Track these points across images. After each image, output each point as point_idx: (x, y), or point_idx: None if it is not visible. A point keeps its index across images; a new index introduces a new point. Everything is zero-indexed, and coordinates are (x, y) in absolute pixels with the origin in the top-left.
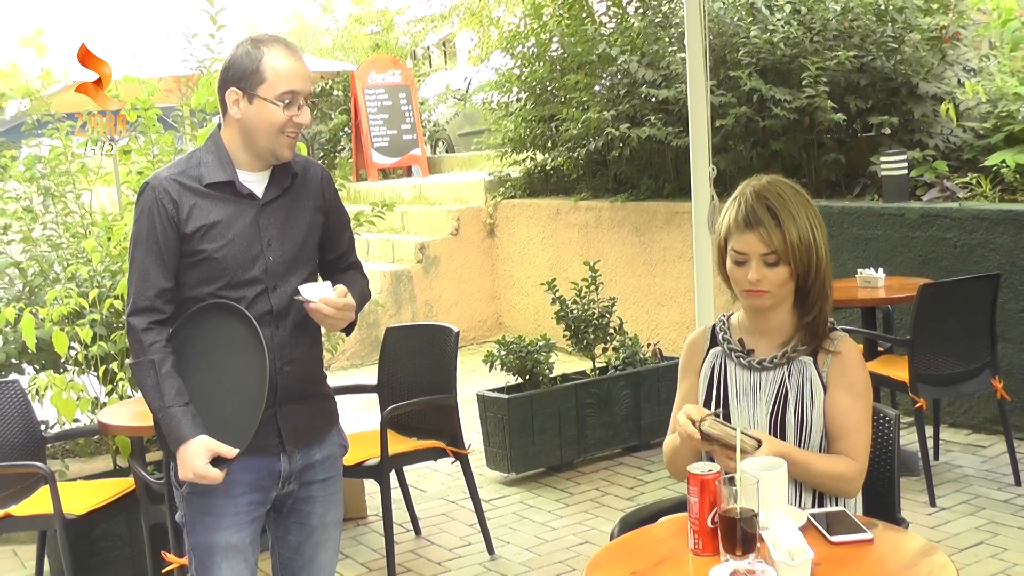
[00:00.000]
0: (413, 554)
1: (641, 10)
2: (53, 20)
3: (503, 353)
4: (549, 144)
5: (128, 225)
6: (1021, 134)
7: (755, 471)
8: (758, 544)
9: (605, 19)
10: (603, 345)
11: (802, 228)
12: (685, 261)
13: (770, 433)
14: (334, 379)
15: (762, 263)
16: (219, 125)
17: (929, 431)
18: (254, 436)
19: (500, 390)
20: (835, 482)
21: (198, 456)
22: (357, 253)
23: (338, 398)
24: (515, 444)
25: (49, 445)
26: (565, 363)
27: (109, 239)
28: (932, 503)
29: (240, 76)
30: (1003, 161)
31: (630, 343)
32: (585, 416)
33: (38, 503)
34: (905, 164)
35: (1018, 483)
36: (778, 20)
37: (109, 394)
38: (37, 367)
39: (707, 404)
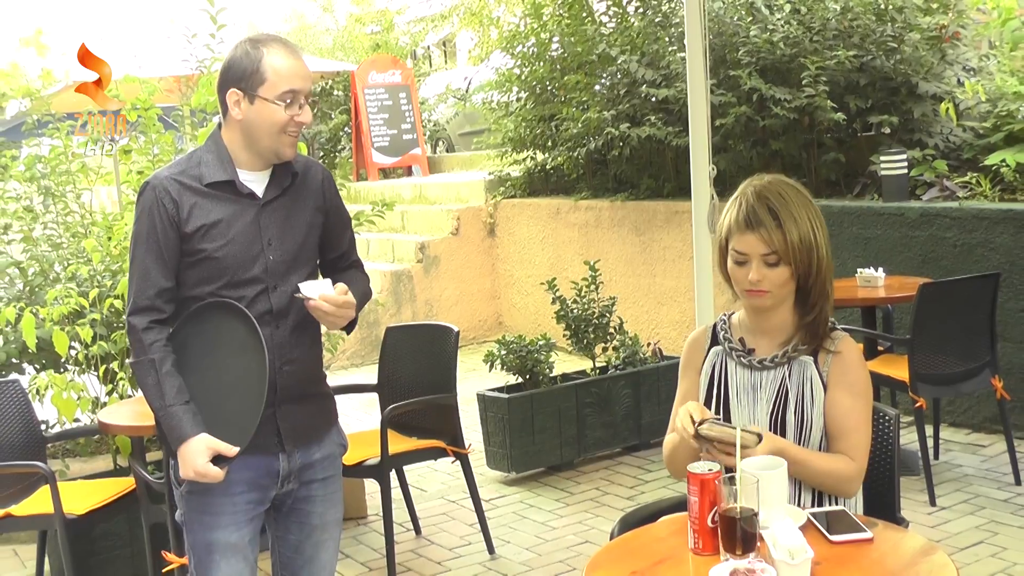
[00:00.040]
0: (413, 553)
1: (641, 10)
2: (54, 20)
3: (503, 353)
4: (549, 144)
5: (128, 225)
6: (1021, 133)
7: (755, 470)
8: (758, 543)
9: (605, 19)
10: (603, 344)
11: (803, 228)
12: (685, 260)
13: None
14: (334, 378)
15: (763, 263)
16: (219, 125)
17: (929, 430)
18: (253, 435)
19: (500, 389)
20: (834, 481)
21: (199, 454)
22: (358, 252)
23: (338, 398)
24: (515, 444)
25: (49, 445)
26: (565, 363)
27: (109, 239)
28: (932, 502)
29: (240, 77)
30: (1003, 160)
31: (630, 342)
32: (585, 416)
33: (38, 503)
34: (905, 163)
35: (1018, 482)
36: (778, 20)
37: (109, 394)
38: (37, 367)
39: (707, 403)
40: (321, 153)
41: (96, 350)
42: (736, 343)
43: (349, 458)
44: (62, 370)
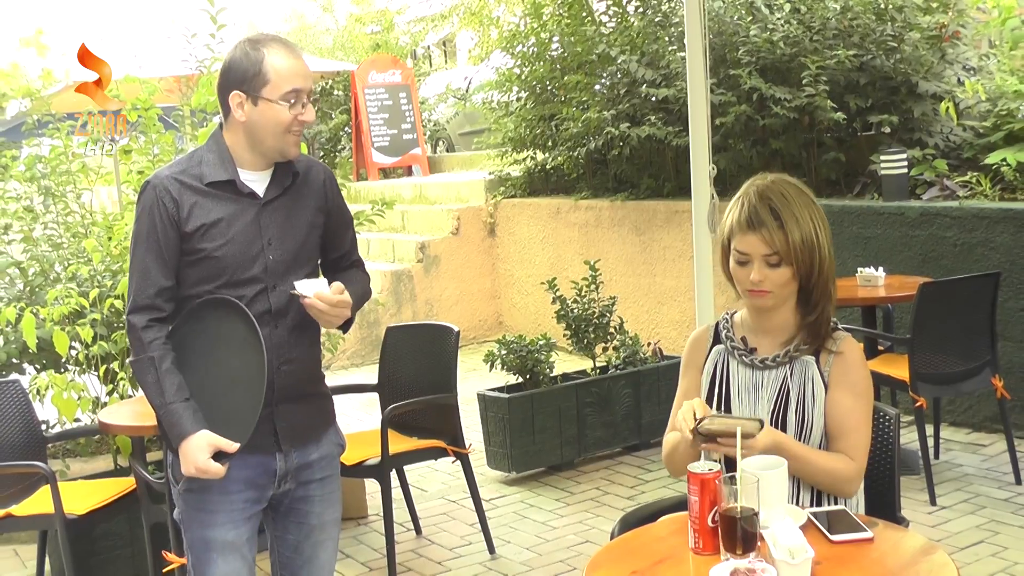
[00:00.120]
0: (414, 553)
1: (641, 9)
2: (54, 20)
3: (503, 352)
4: (549, 143)
5: (128, 225)
6: (1021, 132)
7: (756, 470)
8: (758, 543)
9: (605, 18)
10: (603, 344)
11: (805, 229)
12: (685, 260)
13: None
14: (335, 378)
15: (764, 264)
16: (220, 125)
17: (929, 430)
18: (251, 433)
19: (500, 389)
20: (833, 480)
21: (200, 451)
22: (359, 252)
23: (339, 397)
24: (515, 443)
25: (50, 445)
26: (565, 362)
27: (110, 239)
28: (932, 502)
29: (243, 79)
30: (1003, 160)
31: (630, 342)
32: (585, 415)
33: (39, 503)
34: (905, 163)
35: (1018, 482)
36: (778, 19)
37: (110, 394)
38: (38, 367)
39: (708, 402)
40: (321, 153)
41: (96, 350)
42: (738, 342)
43: (349, 458)
44: (62, 370)
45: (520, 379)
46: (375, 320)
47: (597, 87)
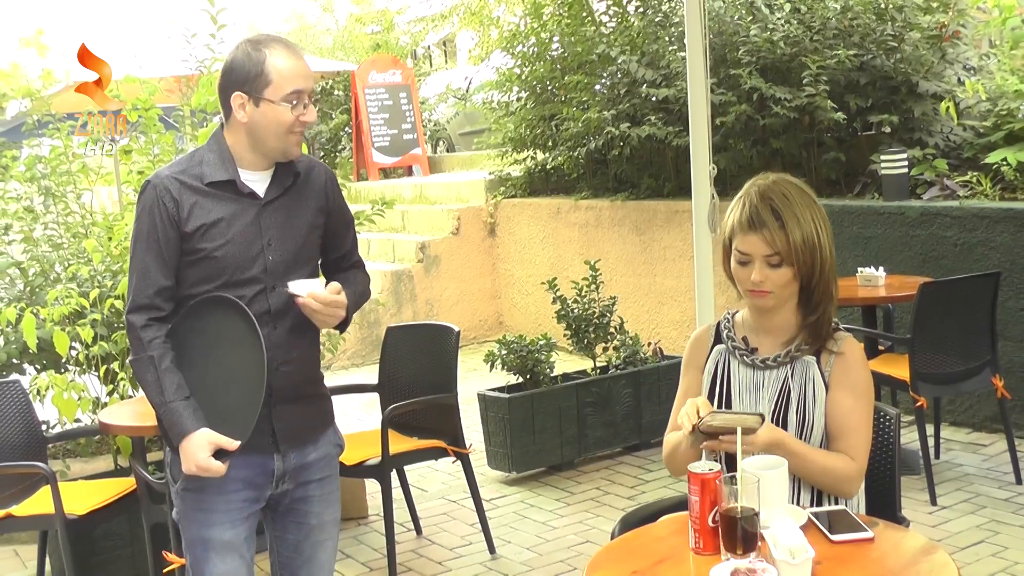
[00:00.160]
0: (414, 553)
1: (641, 9)
2: (54, 20)
3: (504, 352)
4: (549, 143)
5: (129, 225)
6: (1021, 132)
7: (756, 470)
8: (759, 543)
9: (605, 18)
10: (604, 344)
11: (806, 230)
12: (686, 260)
13: None
14: (335, 378)
15: (765, 264)
16: (221, 125)
17: (930, 430)
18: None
19: (501, 389)
20: (833, 479)
21: (200, 449)
22: (360, 253)
23: (339, 397)
24: (516, 443)
25: (50, 445)
26: (566, 362)
27: (110, 239)
28: (933, 502)
29: (244, 80)
30: (1003, 159)
31: (631, 342)
32: (586, 415)
33: (39, 503)
34: (905, 162)
35: (1019, 481)
36: (778, 19)
37: (110, 394)
38: (38, 367)
39: (709, 401)
40: (322, 153)
41: (97, 350)
42: (739, 342)
43: (350, 458)
44: (63, 370)
45: (520, 379)
46: (375, 320)
47: (597, 87)
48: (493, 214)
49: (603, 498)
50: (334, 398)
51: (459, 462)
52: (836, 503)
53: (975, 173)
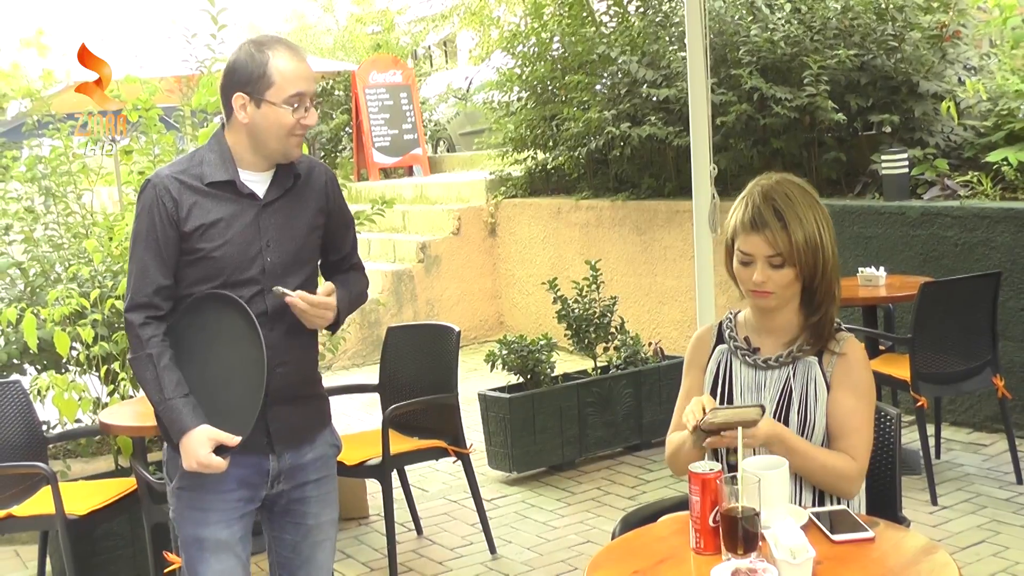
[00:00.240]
0: (415, 554)
1: (641, 9)
2: (54, 20)
3: (504, 352)
4: (550, 143)
5: (129, 225)
6: (1022, 132)
7: (757, 469)
8: (760, 543)
9: (606, 18)
10: (604, 344)
11: (809, 230)
12: (686, 260)
13: None
14: (336, 378)
15: (767, 264)
16: (222, 125)
17: (930, 429)
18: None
19: (501, 389)
20: (834, 478)
21: (201, 445)
22: (359, 254)
23: (340, 398)
24: (516, 443)
25: (51, 445)
26: (566, 362)
27: (110, 239)
28: (934, 502)
29: (246, 81)
30: (1004, 159)
31: (631, 342)
32: (586, 415)
33: (40, 503)
34: (906, 162)
35: (1019, 481)
36: (778, 19)
37: (111, 394)
38: (39, 367)
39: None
40: (322, 153)
41: (97, 351)
42: (741, 342)
43: (351, 458)
44: (63, 371)
45: (521, 379)
46: (376, 320)
47: (598, 87)
48: (494, 214)
49: (604, 498)
50: (335, 398)
51: (460, 462)
52: (837, 503)
53: (976, 173)
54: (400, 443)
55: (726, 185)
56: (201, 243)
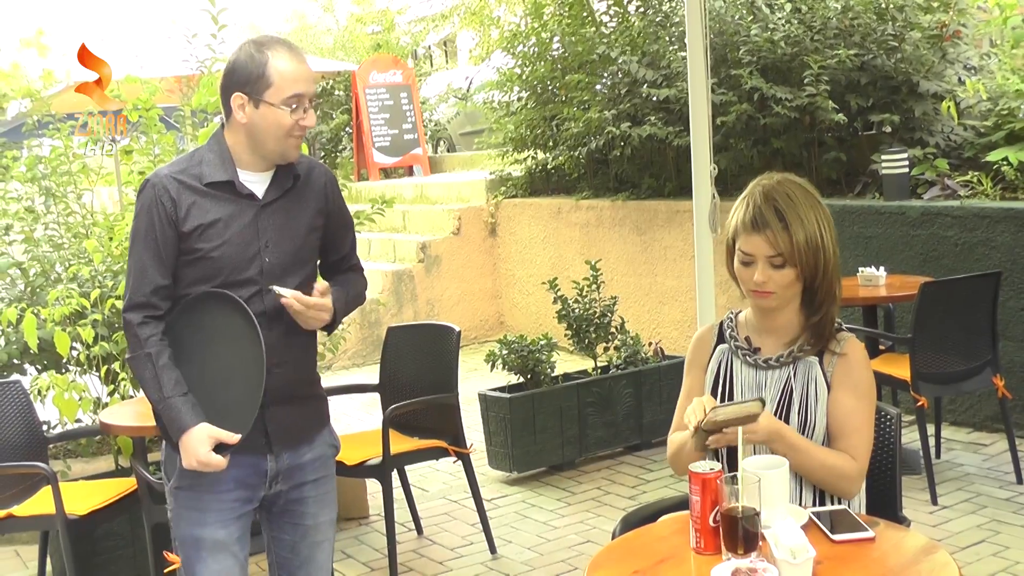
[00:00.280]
0: (415, 553)
1: (642, 9)
2: (55, 20)
3: (505, 352)
4: (550, 143)
5: (129, 225)
6: (1022, 132)
7: (757, 469)
8: (760, 543)
9: (606, 18)
10: (604, 344)
11: (810, 231)
12: (686, 260)
13: None
14: (336, 378)
15: (768, 265)
16: (222, 125)
17: (930, 429)
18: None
19: (502, 389)
20: (835, 477)
21: (201, 444)
22: (358, 253)
23: (340, 397)
24: (517, 443)
25: (51, 445)
26: (567, 362)
27: (111, 239)
28: (934, 501)
29: (246, 81)
30: (1004, 159)
31: (631, 342)
32: (587, 415)
33: (40, 503)
34: (906, 162)
35: (1020, 481)
36: (779, 19)
37: (111, 394)
38: (39, 367)
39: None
40: (322, 153)
41: (97, 351)
42: (742, 342)
43: (351, 458)
44: (63, 371)
45: (521, 379)
46: (376, 320)
47: (598, 87)
48: (494, 214)
49: (604, 498)
50: (335, 398)
51: (460, 462)
52: (838, 503)
53: (976, 173)
54: (400, 443)
55: (726, 185)
56: (199, 243)
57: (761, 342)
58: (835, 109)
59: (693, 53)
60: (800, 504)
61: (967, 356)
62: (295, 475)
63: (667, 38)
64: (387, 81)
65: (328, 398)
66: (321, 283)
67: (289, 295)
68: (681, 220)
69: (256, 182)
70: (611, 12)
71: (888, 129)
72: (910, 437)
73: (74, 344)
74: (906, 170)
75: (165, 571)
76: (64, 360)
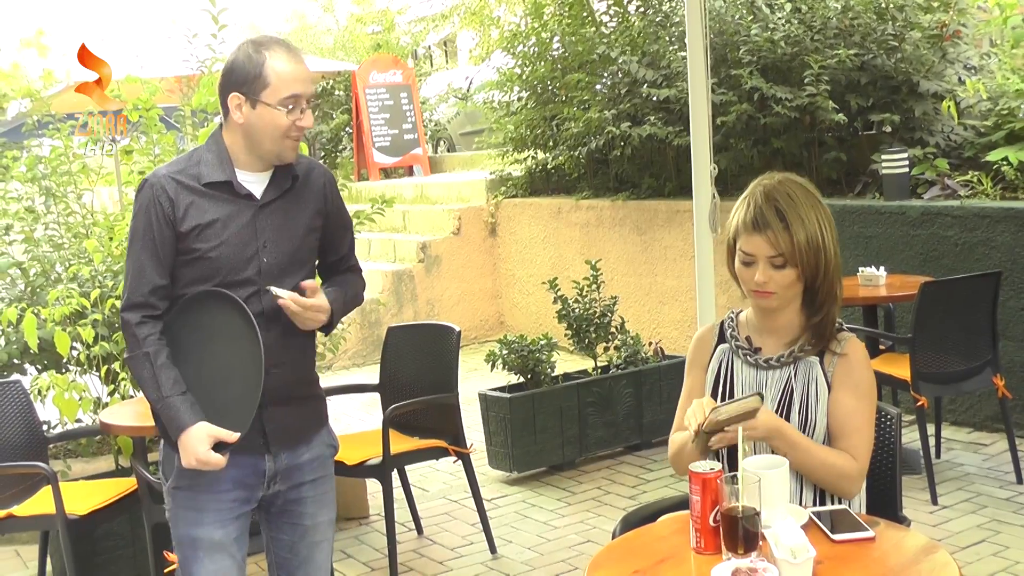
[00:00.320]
0: (415, 553)
1: (642, 9)
2: (55, 21)
3: (505, 352)
4: (550, 143)
5: (129, 225)
6: (1022, 131)
7: (757, 469)
8: (760, 542)
9: (606, 18)
10: (605, 344)
11: (811, 231)
12: (686, 260)
13: None
14: (336, 378)
15: (769, 265)
16: (221, 125)
17: (931, 429)
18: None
19: (502, 389)
20: (835, 476)
21: (200, 442)
22: (358, 253)
23: (340, 397)
24: (517, 443)
25: (51, 445)
26: (567, 362)
27: (111, 239)
28: (934, 501)
29: (243, 81)
30: (1004, 158)
31: (632, 342)
32: (587, 415)
33: (40, 503)
34: (906, 162)
35: (1019, 481)
36: (779, 18)
37: (111, 394)
38: (39, 367)
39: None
40: (322, 153)
41: (98, 350)
42: (743, 341)
43: (351, 458)
44: (64, 371)
45: (521, 379)
46: (376, 320)
47: (598, 87)
48: (494, 214)
49: (604, 498)
50: (336, 398)
51: (460, 462)
52: (838, 503)
53: (976, 172)
54: (400, 443)
55: (726, 185)
56: (197, 243)
57: (762, 342)
58: (835, 109)
59: (693, 53)
60: (800, 504)
61: (967, 356)
62: (293, 475)
63: (667, 38)
64: (387, 81)
65: (328, 398)
66: (309, 281)
67: (286, 296)
68: (681, 220)
69: (254, 182)
70: (611, 12)
71: (888, 129)
72: (910, 437)
73: (74, 344)
74: (906, 170)
75: (165, 571)
76: (64, 360)
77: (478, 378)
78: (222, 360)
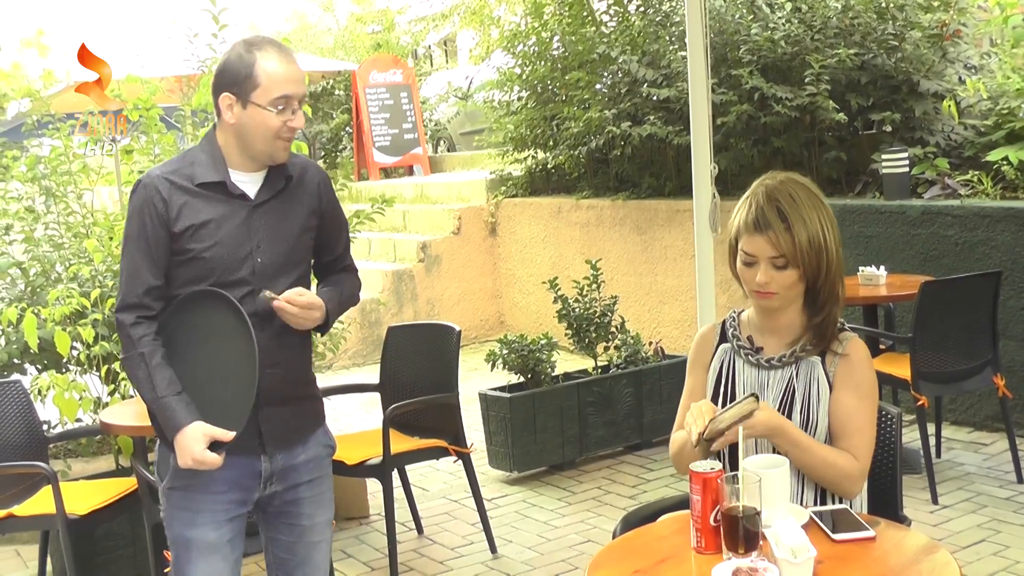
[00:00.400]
0: (415, 553)
1: (642, 9)
2: (55, 20)
3: (505, 352)
4: (550, 143)
5: None
6: (1022, 131)
7: (758, 468)
8: (760, 542)
9: (606, 18)
10: (605, 344)
11: (812, 231)
12: (687, 259)
13: None
14: (336, 378)
15: (771, 265)
16: (214, 126)
17: (931, 428)
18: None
19: (502, 389)
20: (836, 475)
21: (195, 442)
22: (358, 253)
23: (340, 397)
24: (517, 443)
25: (51, 445)
26: (567, 362)
27: (111, 239)
28: (934, 501)
29: (234, 81)
30: (1004, 158)
31: (632, 341)
32: (587, 415)
33: (40, 503)
34: (906, 161)
35: (1020, 480)
36: (779, 18)
37: (111, 394)
38: (39, 367)
39: (714, 400)
40: (322, 153)
41: (98, 350)
42: (744, 341)
43: (351, 458)
44: (64, 370)
45: (522, 378)
46: (376, 320)
47: (598, 86)
48: (494, 213)
49: (604, 497)
50: (336, 398)
51: (460, 461)
52: (839, 502)
53: (976, 172)
54: (401, 442)
55: (727, 184)
56: (191, 244)
57: (764, 342)
58: (835, 108)
59: (693, 53)
60: (801, 503)
61: (968, 355)
62: (290, 476)
63: (667, 38)
64: (387, 81)
65: (328, 398)
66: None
67: (280, 298)
68: (681, 219)
69: (248, 182)
70: (611, 12)
71: (888, 128)
72: (911, 436)
73: (74, 344)
74: (906, 169)
75: (165, 571)
76: (64, 360)
77: (478, 378)
78: (217, 360)
